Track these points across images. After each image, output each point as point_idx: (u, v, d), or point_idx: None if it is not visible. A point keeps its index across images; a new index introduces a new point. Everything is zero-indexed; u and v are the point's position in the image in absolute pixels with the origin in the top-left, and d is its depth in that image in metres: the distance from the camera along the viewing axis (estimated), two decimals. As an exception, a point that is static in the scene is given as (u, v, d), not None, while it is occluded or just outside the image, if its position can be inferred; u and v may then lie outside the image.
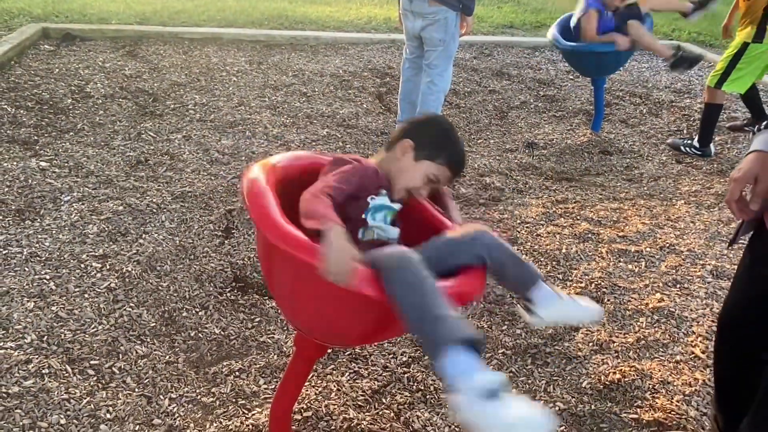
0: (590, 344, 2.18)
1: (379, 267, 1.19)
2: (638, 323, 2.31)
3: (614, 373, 2.05)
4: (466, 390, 1.04)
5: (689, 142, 4.04)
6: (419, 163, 1.51)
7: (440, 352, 1.09)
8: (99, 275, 2.29)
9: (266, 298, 2.30)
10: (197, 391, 1.87)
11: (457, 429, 1.81)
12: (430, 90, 3.38)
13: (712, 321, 2.33)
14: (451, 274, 1.34)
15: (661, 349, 2.17)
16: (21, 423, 1.68)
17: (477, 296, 1.33)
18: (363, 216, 1.43)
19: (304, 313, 1.37)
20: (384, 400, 1.89)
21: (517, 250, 2.73)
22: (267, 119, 3.86)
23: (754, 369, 1.30)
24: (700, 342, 2.21)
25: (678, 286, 2.54)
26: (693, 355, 2.14)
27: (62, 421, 1.70)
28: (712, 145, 3.99)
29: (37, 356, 1.90)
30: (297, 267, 1.23)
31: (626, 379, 2.02)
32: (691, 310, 2.39)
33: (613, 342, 2.20)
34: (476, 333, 1.12)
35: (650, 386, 2.00)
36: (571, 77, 5.25)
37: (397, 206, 1.51)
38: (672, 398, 1.95)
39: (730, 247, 1.34)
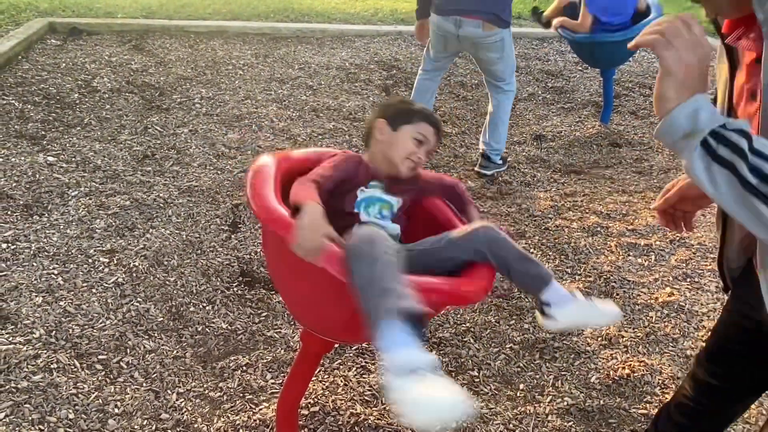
0: (599, 339, 2.17)
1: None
2: (648, 317, 2.28)
3: (623, 368, 2.03)
4: (391, 364, 1.02)
5: None
6: (399, 130, 1.53)
7: (378, 324, 1.07)
8: (106, 270, 2.30)
9: (273, 292, 2.30)
10: (205, 385, 1.87)
11: (464, 425, 1.80)
12: (506, 97, 3.32)
13: (723, 315, 2.30)
14: (456, 272, 1.33)
15: (671, 344, 2.15)
16: (30, 417, 1.69)
17: (476, 298, 1.31)
18: (355, 210, 1.43)
19: (299, 304, 1.37)
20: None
21: (526, 244, 2.71)
22: (273, 113, 3.85)
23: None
24: (711, 337, 2.18)
25: (688, 280, 2.52)
26: (703, 350, 2.12)
27: (71, 416, 1.71)
28: None
29: (45, 351, 1.91)
30: (279, 244, 1.22)
31: (635, 374, 2.00)
32: (702, 304, 2.37)
33: (622, 337, 2.18)
34: (416, 306, 1.09)
35: (660, 381, 1.98)
36: (580, 68, 5.20)
37: (393, 200, 1.48)
38: (682, 393, 1.93)
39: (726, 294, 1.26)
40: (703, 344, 1.33)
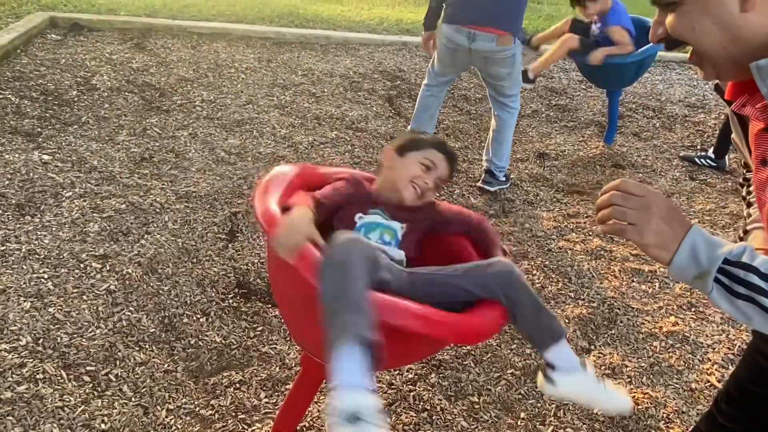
0: (602, 368, 2.12)
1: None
2: (652, 347, 2.24)
3: (627, 399, 1.98)
4: (337, 406, 0.99)
5: (703, 153, 3.99)
6: (406, 156, 1.51)
7: (338, 346, 1.02)
8: (98, 276, 2.22)
9: (269, 306, 2.24)
10: (196, 402, 1.80)
11: (464, 454, 1.74)
12: (510, 114, 3.25)
13: (728, 348, 2.26)
14: (459, 308, 1.26)
15: (675, 376, 2.11)
16: (12, 431, 1.61)
17: (480, 338, 1.25)
18: None
19: (297, 324, 1.32)
20: (389, 420, 1.82)
21: (528, 265, 2.67)
22: (275, 119, 3.79)
23: None
24: (716, 370, 2.14)
25: (693, 309, 2.47)
26: (709, 384, 2.08)
27: (55, 431, 1.64)
28: (727, 158, 3.92)
29: (31, 360, 1.83)
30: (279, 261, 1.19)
31: (639, 407, 1.95)
32: (707, 335, 2.32)
33: (626, 366, 2.13)
34: (375, 337, 1.04)
35: (664, 415, 1.93)
36: (584, 87, 5.19)
37: (396, 225, 1.43)
38: (687, 429, 1.88)
39: None
40: (722, 385, 1.28)
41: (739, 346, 2.27)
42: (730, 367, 2.15)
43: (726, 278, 0.80)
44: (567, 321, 2.32)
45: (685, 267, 0.83)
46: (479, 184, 3.36)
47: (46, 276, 2.18)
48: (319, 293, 1.07)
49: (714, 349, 2.25)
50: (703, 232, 0.85)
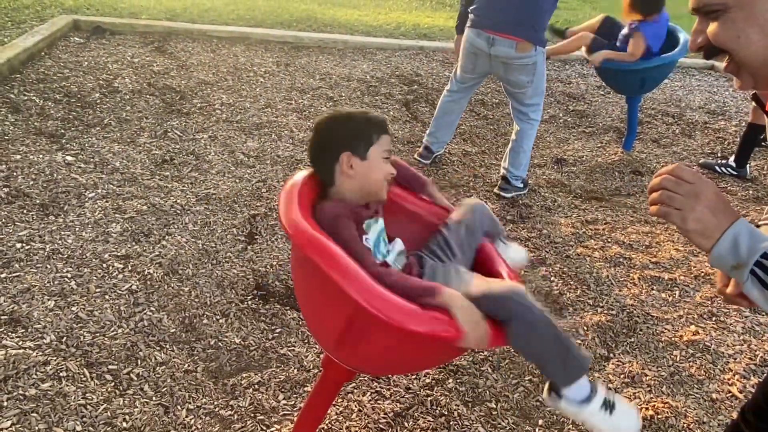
0: (622, 376, 2.10)
1: (498, 312, 1.23)
2: (672, 356, 2.22)
3: (647, 408, 1.96)
4: (595, 409, 1.30)
5: (724, 162, 3.94)
6: (369, 157, 1.39)
7: (571, 384, 1.30)
8: (120, 276, 2.25)
9: (287, 308, 2.25)
10: (215, 402, 1.82)
11: (482, 460, 1.74)
12: (530, 125, 3.21)
13: (750, 359, 2.23)
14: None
15: (696, 386, 2.08)
16: (37, 428, 1.64)
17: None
18: (379, 260, 1.38)
19: (368, 360, 1.33)
20: (406, 424, 1.83)
21: (546, 271, 2.66)
22: (293, 123, 3.82)
23: None
24: (738, 380, 2.11)
25: (714, 318, 2.44)
26: (730, 394, 2.05)
27: (78, 428, 1.66)
28: (748, 166, 3.88)
29: (55, 358, 1.86)
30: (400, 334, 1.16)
31: (659, 416, 1.93)
32: (728, 345, 2.29)
33: (646, 375, 2.11)
34: (588, 356, 1.32)
35: (685, 426, 1.91)
36: (602, 92, 5.16)
37: (380, 221, 1.45)
38: (708, 440, 1.86)
39: None
40: (744, 396, 1.27)
41: (761, 357, 2.23)
42: (752, 378, 2.12)
43: (762, 271, 0.82)
44: (585, 328, 2.31)
45: (724, 256, 0.85)
46: (496, 190, 3.36)
47: (69, 275, 2.22)
48: (528, 349, 1.27)
49: (735, 359, 2.22)
50: (748, 225, 0.86)
